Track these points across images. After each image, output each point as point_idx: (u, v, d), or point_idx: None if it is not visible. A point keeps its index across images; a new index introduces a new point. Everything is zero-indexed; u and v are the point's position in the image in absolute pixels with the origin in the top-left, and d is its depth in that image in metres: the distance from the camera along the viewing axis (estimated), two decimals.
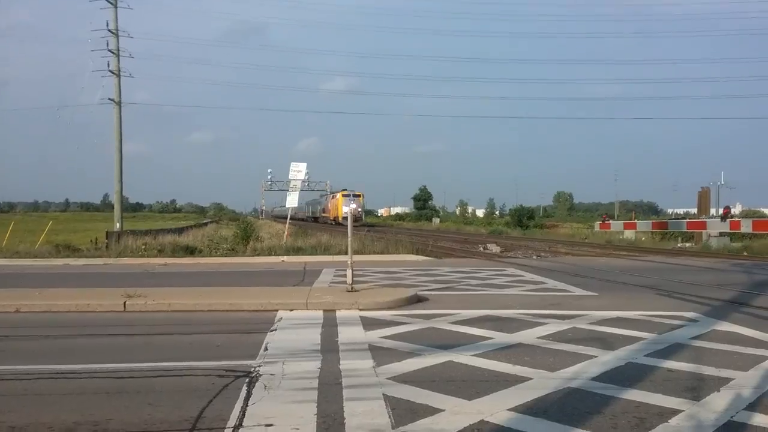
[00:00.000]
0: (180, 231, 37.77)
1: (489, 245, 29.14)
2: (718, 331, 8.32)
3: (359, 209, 72.48)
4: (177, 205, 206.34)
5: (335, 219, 73.71)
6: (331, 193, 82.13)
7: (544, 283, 14.00)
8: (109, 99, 36.12)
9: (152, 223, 79.34)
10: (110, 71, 36.26)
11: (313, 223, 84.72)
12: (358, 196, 73.55)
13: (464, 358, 6.68)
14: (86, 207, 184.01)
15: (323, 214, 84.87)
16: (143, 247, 23.23)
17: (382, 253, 23.28)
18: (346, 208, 65.74)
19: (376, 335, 7.91)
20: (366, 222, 77.04)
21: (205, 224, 66.86)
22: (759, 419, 4.74)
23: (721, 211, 34.81)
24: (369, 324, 8.69)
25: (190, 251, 23.39)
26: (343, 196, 71.94)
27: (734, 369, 6.23)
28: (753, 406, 5.05)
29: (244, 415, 4.84)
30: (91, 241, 27.00)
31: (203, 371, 6.18)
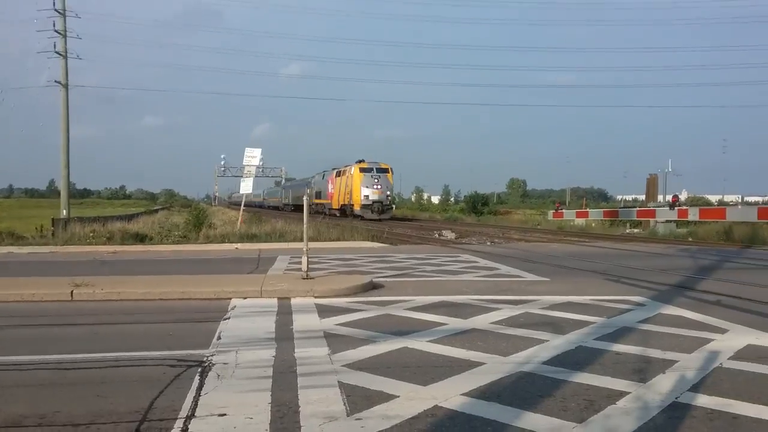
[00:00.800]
0: (129, 218, 36.99)
1: (444, 231, 29.39)
2: (664, 314, 8.58)
3: (388, 193, 45.89)
4: (126, 192, 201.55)
5: (345, 207, 47.18)
6: (335, 168, 52.97)
7: (497, 269, 14.19)
8: (56, 81, 35.01)
9: (101, 209, 77.36)
10: (57, 52, 35.11)
11: (295, 213, 52.97)
12: (386, 170, 46.23)
13: (419, 344, 6.72)
14: (31, 193, 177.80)
15: (317, 200, 56.43)
16: (91, 234, 22.60)
17: (338, 239, 23.21)
18: (368, 191, 44.09)
19: (331, 322, 7.89)
20: (395, 215, 49.17)
21: (156, 211, 65.65)
22: (702, 400, 4.90)
23: (669, 198, 35.93)
24: (324, 311, 8.66)
25: (141, 239, 22.89)
26: (362, 170, 45.13)
27: (679, 351, 6.44)
28: (696, 387, 5.22)
29: (196, 405, 4.77)
30: (36, 228, 26.16)
31: (154, 361, 6.06)
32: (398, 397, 4.94)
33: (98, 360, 6.11)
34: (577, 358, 6.15)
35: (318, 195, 57.44)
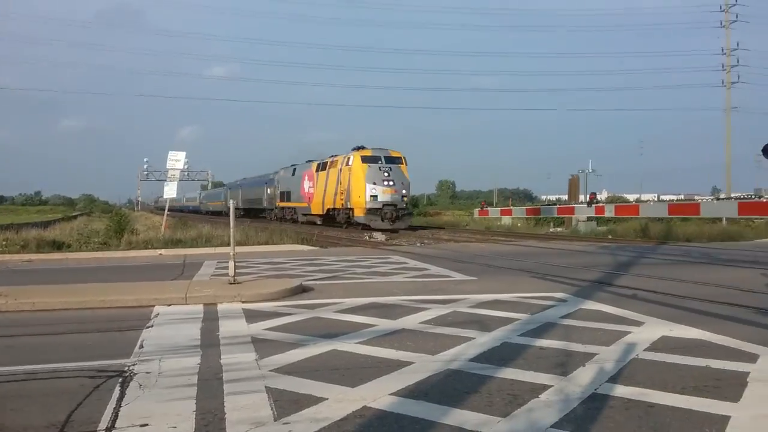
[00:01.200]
0: (46, 225, 35.23)
1: (374, 233, 29.48)
2: (584, 309, 8.89)
3: (404, 192, 33.24)
4: (42, 197, 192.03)
5: (336, 212, 35.44)
6: (312, 161, 40.81)
7: (427, 269, 14.35)
8: None
9: (14, 216, 73.32)
10: None
11: (247, 218, 42.86)
12: (399, 160, 33.68)
13: (348, 346, 6.71)
14: None
15: (284, 203, 44.61)
16: (4, 242, 21.43)
17: (266, 243, 22.92)
18: (376, 189, 31.87)
19: (259, 327, 7.77)
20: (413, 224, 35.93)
21: (75, 217, 63.05)
22: (620, 390, 5.11)
23: (588, 197, 37.32)
24: (252, 316, 8.53)
25: (58, 246, 21.89)
26: (365, 160, 32.63)
27: (598, 344, 6.69)
28: (614, 379, 5.44)
29: (116, 416, 4.59)
30: None
31: (72, 373, 5.80)
32: (327, 399, 4.91)
33: (11, 373, 5.79)
34: (502, 354, 6.29)
35: (285, 196, 44.47)
